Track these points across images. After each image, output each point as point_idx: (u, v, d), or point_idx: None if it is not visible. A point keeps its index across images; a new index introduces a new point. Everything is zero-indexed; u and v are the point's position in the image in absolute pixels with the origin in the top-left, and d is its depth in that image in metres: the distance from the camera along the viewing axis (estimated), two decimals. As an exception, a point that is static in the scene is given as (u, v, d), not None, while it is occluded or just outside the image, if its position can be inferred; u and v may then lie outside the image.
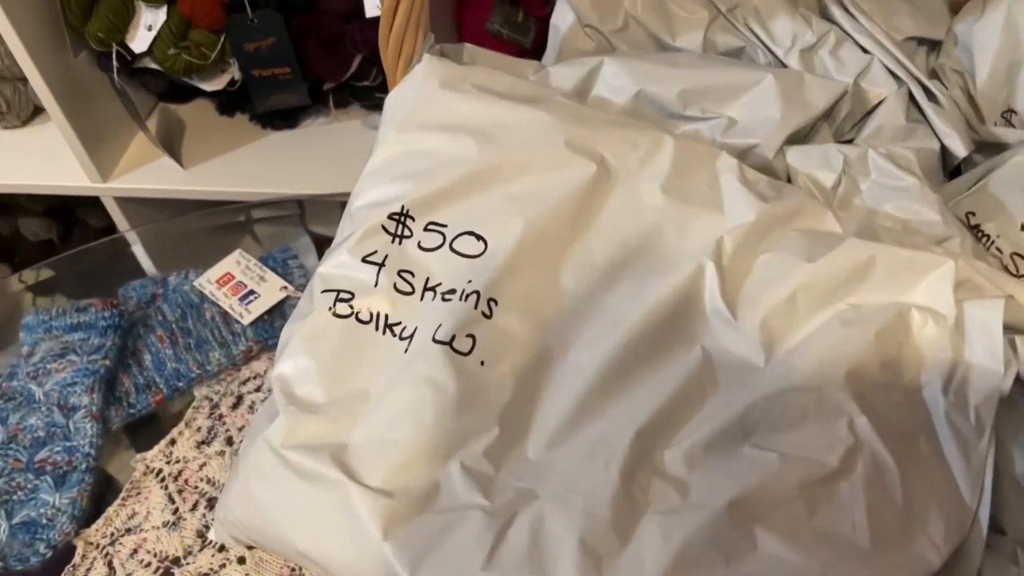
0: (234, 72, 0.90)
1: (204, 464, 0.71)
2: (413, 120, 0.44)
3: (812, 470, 0.34)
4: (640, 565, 0.30)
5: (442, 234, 0.42)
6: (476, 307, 0.39)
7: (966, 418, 0.36)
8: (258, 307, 0.81)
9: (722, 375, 0.38)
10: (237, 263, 0.85)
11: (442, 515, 0.33)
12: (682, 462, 0.34)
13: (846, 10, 0.53)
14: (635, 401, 0.36)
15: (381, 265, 0.41)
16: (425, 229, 0.42)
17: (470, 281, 0.39)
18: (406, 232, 0.42)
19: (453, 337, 0.38)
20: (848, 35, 0.52)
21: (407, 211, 0.42)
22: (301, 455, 0.36)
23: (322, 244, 0.82)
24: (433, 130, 0.44)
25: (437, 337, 0.38)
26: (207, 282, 0.83)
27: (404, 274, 0.40)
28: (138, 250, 0.99)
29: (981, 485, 0.35)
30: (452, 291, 0.40)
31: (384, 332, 0.39)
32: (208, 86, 0.90)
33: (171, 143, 0.99)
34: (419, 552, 0.32)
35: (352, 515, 0.34)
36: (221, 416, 0.74)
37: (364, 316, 0.40)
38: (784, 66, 0.52)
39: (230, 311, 0.80)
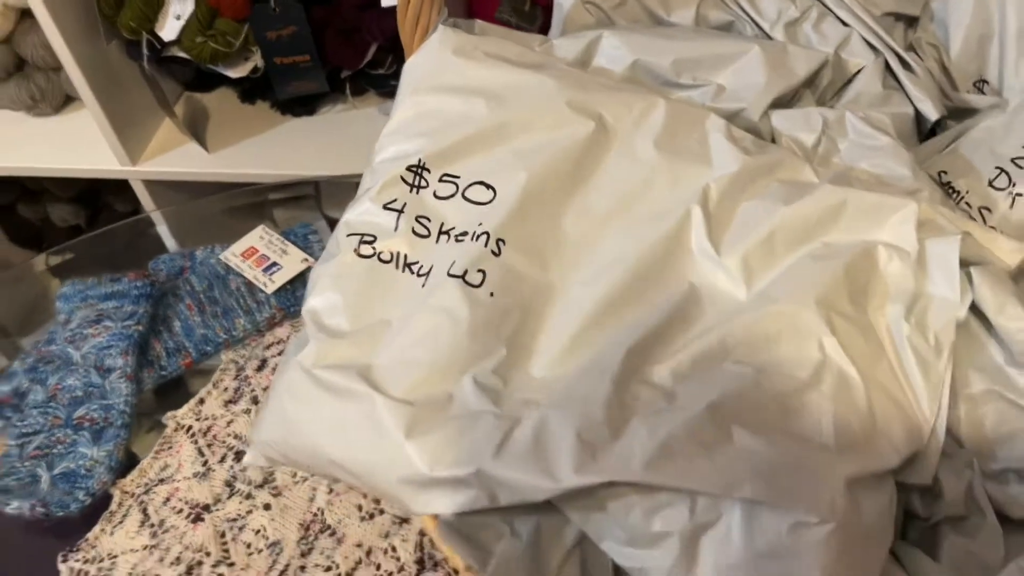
0: (257, 60, 0.95)
1: (231, 421, 0.75)
2: (428, 83, 0.49)
3: (785, 383, 0.38)
4: (630, 454, 0.34)
5: (455, 184, 0.46)
6: (486, 246, 0.43)
7: (926, 341, 0.40)
8: (281, 277, 0.86)
9: (707, 305, 0.42)
10: (260, 238, 0.90)
11: (457, 420, 0.38)
12: (669, 375, 0.38)
13: (828, -13, 0.57)
14: (628, 326, 0.41)
15: (400, 212, 0.45)
16: (440, 180, 0.46)
17: (480, 224, 0.44)
18: (423, 183, 0.46)
19: (465, 272, 0.42)
20: (829, 10, 0.57)
21: (423, 163, 0.46)
22: (331, 373, 0.40)
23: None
24: (446, 92, 0.48)
25: (451, 272, 0.42)
26: (232, 255, 0.88)
27: (421, 219, 0.45)
28: (162, 230, 1.03)
29: (939, 400, 0.39)
30: (464, 233, 0.44)
31: (403, 270, 0.44)
32: (232, 73, 0.95)
33: (196, 129, 1.04)
34: (437, 449, 0.37)
35: (378, 422, 0.38)
36: (247, 378, 0.79)
37: (385, 256, 0.44)
38: (770, 38, 0.57)
39: (254, 281, 0.85)
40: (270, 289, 0.85)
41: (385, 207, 0.45)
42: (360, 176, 0.50)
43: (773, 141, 0.53)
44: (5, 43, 1.02)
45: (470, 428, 0.38)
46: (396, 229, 0.45)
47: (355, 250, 0.44)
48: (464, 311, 0.41)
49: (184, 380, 0.78)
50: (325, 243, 0.86)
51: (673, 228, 0.45)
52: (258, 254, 0.88)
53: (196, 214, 1.10)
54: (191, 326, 0.83)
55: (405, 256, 0.44)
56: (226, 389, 0.77)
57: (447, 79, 0.49)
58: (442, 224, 0.45)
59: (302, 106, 1.03)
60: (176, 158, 1.03)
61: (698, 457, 0.34)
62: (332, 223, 0.87)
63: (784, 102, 0.54)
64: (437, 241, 0.44)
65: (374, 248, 0.44)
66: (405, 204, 0.45)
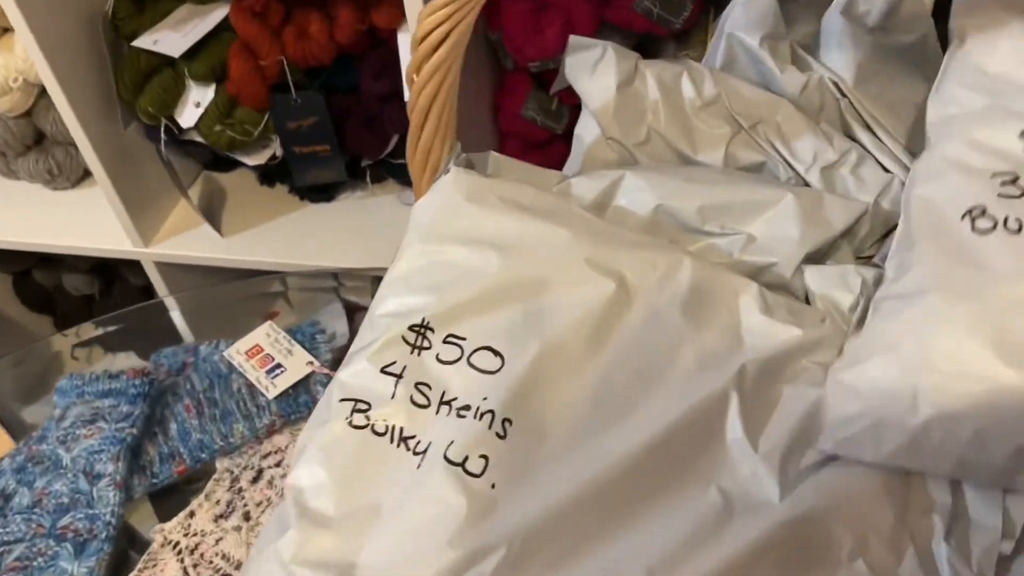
0: (276, 148, 0.93)
1: (220, 539, 0.72)
2: (437, 231, 0.46)
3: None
4: None
5: (460, 347, 0.43)
6: (491, 427, 0.40)
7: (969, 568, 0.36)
8: (284, 381, 0.83)
9: (738, 511, 0.38)
10: (267, 335, 0.87)
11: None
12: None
13: (868, 129, 0.54)
14: (647, 534, 0.37)
15: (399, 376, 0.42)
16: (444, 341, 0.43)
17: (485, 399, 0.40)
18: (425, 344, 0.43)
19: (466, 458, 0.39)
20: (869, 153, 0.53)
21: (427, 323, 0.43)
22: (310, 573, 0.36)
23: (353, 311, 0.84)
24: (456, 242, 0.45)
25: (449, 456, 0.38)
26: (236, 353, 0.85)
27: (421, 386, 0.42)
28: (175, 315, 1.01)
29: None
30: (467, 407, 0.40)
31: (399, 445, 0.40)
32: (251, 160, 0.93)
33: (212, 211, 1.02)
34: None
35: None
36: (240, 490, 0.75)
37: (380, 428, 0.41)
38: (805, 183, 0.53)
39: (256, 383, 0.82)
40: (272, 394, 0.82)
41: (383, 370, 0.42)
42: (379, 270, 0.46)
43: (807, 299, 0.49)
44: (25, 116, 1.01)
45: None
46: (393, 397, 0.41)
47: (347, 419, 0.41)
48: (460, 504, 0.37)
49: (177, 486, 0.76)
50: (336, 336, 0.83)
51: (700, 409, 0.41)
52: (263, 353, 0.85)
53: (211, 299, 1.08)
54: (187, 429, 0.80)
55: (402, 429, 0.41)
56: (218, 502, 0.74)
57: (458, 227, 0.46)
58: (444, 393, 0.41)
59: (321, 192, 1.01)
60: (190, 240, 1.01)
61: None
62: (349, 307, 0.85)
63: (819, 255, 0.51)
64: (437, 412, 0.41)
65: (368, 418, 0.41)
66: (405, 367, 0.42)
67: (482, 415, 0.40)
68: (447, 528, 0.36)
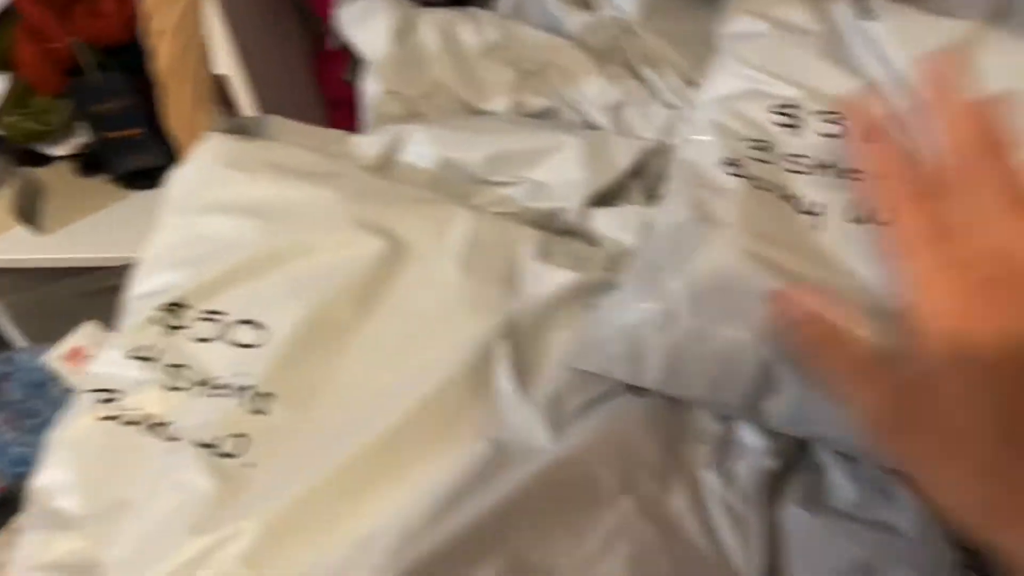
0: (86, 135, 0.87)
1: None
2: (193, 202, 0.43)
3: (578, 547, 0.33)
4: None
5: (220, 323, 0.40)
6: (251, 404, 0.37)
7: (739, 498, 0.36)
8: (106, 383, 0.78)
9: (508, 461, 0.37)
10: (88, 336, 0.82)
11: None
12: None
13: (655, 66, 0.53)
14: (412, 498, 0.35)
15: (152, 360, 0.39)
16: (202, 319, 0.40)
17: (246, 374, 0.38)
18: (181, 323, 0.40)
19: (220, 439, 0.36)
20: (657, 92, 0.53)
21: (182, 301, 0.40)
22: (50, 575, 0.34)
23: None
24: (214, 212, 0.42)
25: (200, 439, 0.36)
26: (56, 358, 0.80)
27: (176, 368, 0.39)
28: (3, 322, 0.95)
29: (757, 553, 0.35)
30: (225, 385, 0.38)
31: (150, 434, 0.37)
32: (58, 151, 0.87)
33: (29, 209, 0.95)
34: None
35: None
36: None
37: (129, 417, 0.38)
38: (594, 125, 0.52)
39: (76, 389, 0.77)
40: (94, 396, 0.76)
41: (134, 356, 0.39)
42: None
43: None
44: None
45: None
46: (145, 383, 0.38)
47: (95, 411, 0.38)
48: (208, 488, 0.35)
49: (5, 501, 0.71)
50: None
51: (473, 365, 0.39)
52: (84, 355, 0.80)
53: (40, 303, 1.02)
54: (4, 443, 0.75)
55: (153, 417, 0.38)
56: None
57: (215, 196, 0.43)
58: (201, 374, 0.39)
59: (144, 178, 0.95)
60: (7, 243, 0.94)
61: None
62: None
63: (609, 196, 0.50)
64: (193, 395, 0.38)
65: (117, 408, 0.38)
66: (158, 350, 0.39)
67: (241, 391, 0.37)
68: (191, 515, 0.34)
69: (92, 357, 0.79)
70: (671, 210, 0.40)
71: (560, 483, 0.36)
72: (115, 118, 0.84)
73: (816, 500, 0.37)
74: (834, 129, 0.41)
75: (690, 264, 0.37)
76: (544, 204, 0.48)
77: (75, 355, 0.78)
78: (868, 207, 0.39)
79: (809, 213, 0.40)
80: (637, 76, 0.54)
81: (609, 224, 0.47)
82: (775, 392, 0.36)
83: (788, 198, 0.40)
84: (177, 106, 0.44)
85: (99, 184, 0.97)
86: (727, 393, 0.36)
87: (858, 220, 0.39)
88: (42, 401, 0.76)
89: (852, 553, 0.35)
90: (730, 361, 0.35)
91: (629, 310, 0.38)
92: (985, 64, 0.38)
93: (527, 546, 0.34)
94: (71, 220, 0.94)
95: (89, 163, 0.96)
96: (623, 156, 0.49)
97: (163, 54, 0.42)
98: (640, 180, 0.51)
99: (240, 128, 0.48)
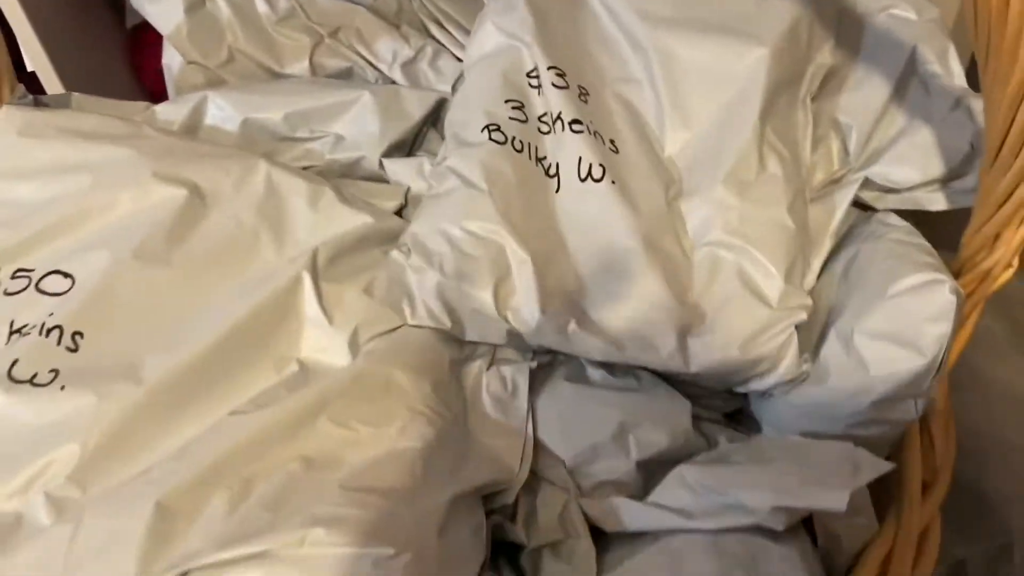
0: None
1: None
2: (-8, 171, 0.44)
3: (379, 437, 0.38)
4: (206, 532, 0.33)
5: (28, 278, 0.42)
6: (59, 343, 0.40)
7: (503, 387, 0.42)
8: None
9: (311, 377, 0.41)
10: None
11: (27, 542, 0.34)
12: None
13: (441, 26, 0.58)
14: (221, 417, 0.39)
15: (-41, 323, 0.41)
16: (12, 276, 0.42)
17: (52, 315, 0.40)
18: (-10, 283, 0.42)
19: (34, 374, 0.38)
20: (445, 47, 0.58)
21: (-9, 263, 0.42)
22: None
23: None
24: (12, 179, 0.44)
25: (14, 375, 0.38)
26: None
27: (-14, 322, 0.41)
28: None
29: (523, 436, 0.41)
30: (33, 327, 0.40)
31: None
32: None
33: None
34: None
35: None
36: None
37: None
38: (392, 81, 0.57)
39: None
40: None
41: (-62, 321, 0.41)
42: None
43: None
44: None
45: (36, 549, 0.34)
46: (-43, 337, 0.40)
47: None
48: (26, 415, 0.37)
49: None
50: None
51: (280, 292, 0.43)
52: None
53: None
54: None
55: (-32, 366, 0.39)
56: None
57: (15, 163, 0.45)
58: (12, 323, 0.41)
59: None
60: None
61: (277, 507, 0.33)
62: None
63: (406, 145, 0.54)
64: (8, 343, 0.40)
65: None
66: (-32, 309, 0.41)
67: (48, 332, 0.40)
68: (14, 443, 0.36)
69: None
70: (439, 172, 0.45)
71: (362, 384, 0.40)
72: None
73: (576, 379, 0.44)
74: (561, 82, 0.47)
75: (448, 226, 0.43)
76: (346, 155, 0.53)
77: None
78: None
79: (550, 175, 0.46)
80: (428, 34, 0.58)
81: (403, 172, 0.52)
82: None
83: (540, 160, 0.46)
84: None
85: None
86: (489, 335, 0.42)
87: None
88: None
89: (608, 415, 0.41)
90: (479, 314, 0.41)
91: (403, 264, 0.44)
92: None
93: (334, 436, 0.38)
94: None
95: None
96: (416, 107, 0.54)
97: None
98: (437, 128, 0.56)
99: (40, 104, 0.50)
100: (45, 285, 0.42)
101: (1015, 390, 0.61)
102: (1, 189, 0.44)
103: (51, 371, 0.39)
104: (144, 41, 0.85)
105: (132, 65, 0.88)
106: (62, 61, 0.75)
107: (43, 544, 0.34)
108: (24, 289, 0.42)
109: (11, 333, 0.41)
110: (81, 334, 0.40)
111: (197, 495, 0.34)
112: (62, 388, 0.38)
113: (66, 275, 0.42)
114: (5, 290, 0.42)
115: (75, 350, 0.40)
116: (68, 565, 0.33)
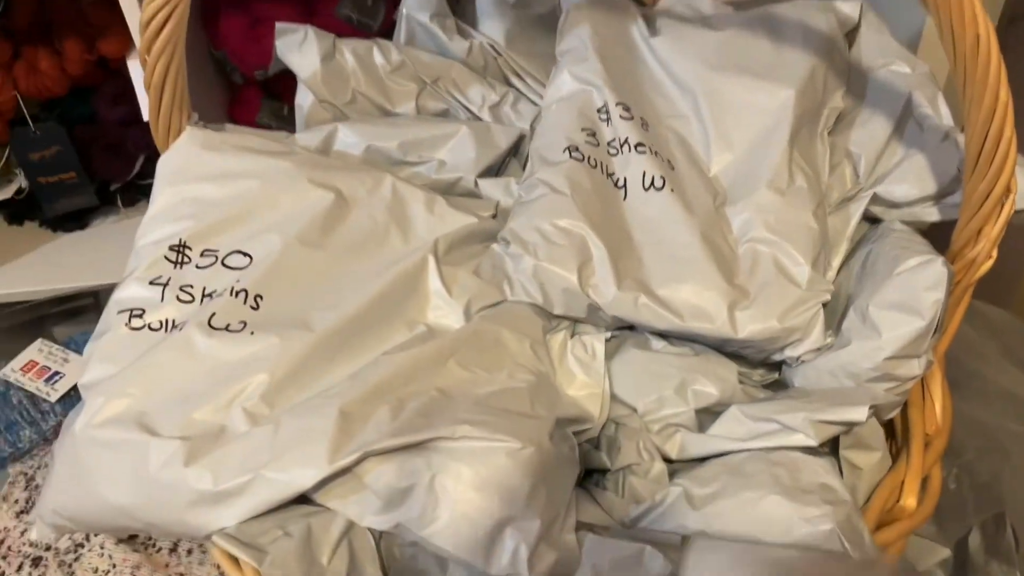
0: (20, 181, 0.97)
1: (25, 530, 0.76)
2: (182, 175, 0.56)
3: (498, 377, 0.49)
4: (378, 425, 0.43)
5: (215, 256, 0.53)
6: (245, 302, 0.51)
7: (585, 351, 0.53)
8: (64, 385, 0.87)
9: (435, 335, 0.52)
10: (39, 351, 0.91)
11: (231, 442, 0.44)
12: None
13: (520, 76, 0.71)
14: (368, 360, 0.50)
15: (165, 285, 0.52)
16: (201, 255, 0.53)
17: (240, 283, 0.51)
18: (185, 259, 0.53)
19: (227, 324, 0.49)
20: (523, 94, 0.70)
21: (184, 243, 0.53)
22: (107, 428, 0.45)
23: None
24: (200, 181, 0.56)
25: (212, 323, 0.49)
26: (11, 371, 0.89)
27: (185, 288, 0.52)
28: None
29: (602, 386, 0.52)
30: (225, 290, 0.51)
31: (171, 333, 0.50)
32: (-2, 196, 0.96)
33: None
34: (218, 467, 0.43)
35: (160, 460, 0.44)
36: (38, 486, 0.79)
37: (155, 325, 0.50)
38: (479, 119, 0.69)
39: (37, 392, 0.86)
40: (54, 398, 0.86)
41: (151, 283, 0.52)
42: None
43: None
44: None
45: (244, 444, 0.44)
46: (163, 300, 0.51)
47: (126, 324, 0.50)
48: (225, 353, 0.48)
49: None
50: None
51: (410, 271, 0.54)
52: (38, 366, 0.89)
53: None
54: (-27, 444, 0.82)
55: (172, 321, 0.50)
56: (16, 501, 0.78)
57: (198, 170, 0.56)
58: (204, 288, 0.52)
59: (73, 221, 1.05)
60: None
61: (429, 415, 0.44)
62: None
63: (494, 169, 0.66)
64: (201, 303, 0.51)
65: (143, 320, 0.50)
66: (169, 279, 0.52)
67: (236, 294, 0.51)
68: (217, 372, 0.47)
69: (44, 366, 0.89)
70: (529, 184, 0.58)
71: (475, 340, 0.51)
72: (50, 163, 0.94)
73: (643, 347, 0.54)
74: (627, 114, 0.59)
75: (540, 222, 0.55)
76: (447, 176, 0.65)
77: (31, 367, 0.87)
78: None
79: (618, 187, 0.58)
80: (508, 84, 0.71)
81: (494, 190, 0.64)
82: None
83: (610, 175, 0.58)
84: (162, 112, 0.58)
85: (28, 230, 1.06)
86: (573, 309, 0.53)
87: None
88: (3, 407, 0.84)
89: (671, 373, 0.52)
90: (567, 291, 0.53)
91: (503, 253, 0.56)
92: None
93: (461, 376, 0.49)
94: (1, 263, 1.02)
95: (18, 212, 1.05)
96: (503, 139, 0.66)
97: (157, 69, 0.55)
98: (516, 157, 0.68)
99: (206, 127, 0.62)
100: (229, 261, 0.53)
101: (1002, 387, 0.72)
102: (189, 189, 0.56)
103: (240, 322, 0.50)
104: (243, 97, 0.98)
105: (230, 116, 1.02)
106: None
107: (254, 440, 0.44)
108: (211, 264, 0.53)
109: (204, 296, 0.52)
110: (261, 296, 0.51)
111: (367, 405, 0.45)
112: (252, 333, 0.49)
113: (245, 254, 0.53)
114: (197, 265, 0.53)
115: (257, 308, 0.51)
116: (275, 451, 0.43)
